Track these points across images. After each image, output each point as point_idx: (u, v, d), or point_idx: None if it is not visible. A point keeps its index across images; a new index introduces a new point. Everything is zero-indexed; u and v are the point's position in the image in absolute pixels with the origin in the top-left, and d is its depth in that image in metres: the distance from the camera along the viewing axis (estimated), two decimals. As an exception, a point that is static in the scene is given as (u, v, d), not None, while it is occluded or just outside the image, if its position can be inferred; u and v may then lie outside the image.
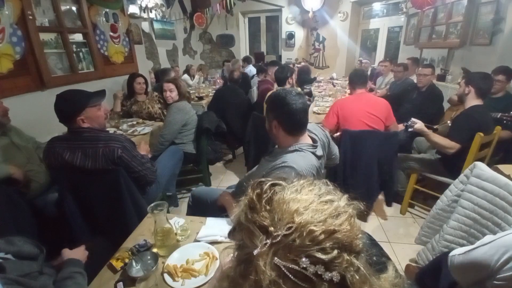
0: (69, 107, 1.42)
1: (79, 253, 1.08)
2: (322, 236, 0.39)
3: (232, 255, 0.48)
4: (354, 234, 0.42)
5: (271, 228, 0.41)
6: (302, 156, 1.17)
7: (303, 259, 0.38)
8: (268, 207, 0.44)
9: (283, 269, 0.38)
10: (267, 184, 0.47)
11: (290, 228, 0.40)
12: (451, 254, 1.07)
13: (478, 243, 0.97)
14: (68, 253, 1.06)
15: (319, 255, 0.38)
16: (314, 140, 1.28)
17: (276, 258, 0.39)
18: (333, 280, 0.38)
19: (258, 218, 0.43)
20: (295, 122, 1.20)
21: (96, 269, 1.02)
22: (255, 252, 0.40)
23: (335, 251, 0.39)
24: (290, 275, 0.38)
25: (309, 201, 0.43)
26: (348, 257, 0.40)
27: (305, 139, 1.24)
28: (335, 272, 0.38)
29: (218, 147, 2.79)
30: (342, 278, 0.39)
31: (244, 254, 0.43)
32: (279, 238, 0.40)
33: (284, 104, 1.17)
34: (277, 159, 1.19)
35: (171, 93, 2.42)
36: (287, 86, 2.78)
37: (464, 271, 1.01)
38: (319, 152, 1.25)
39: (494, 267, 0.87)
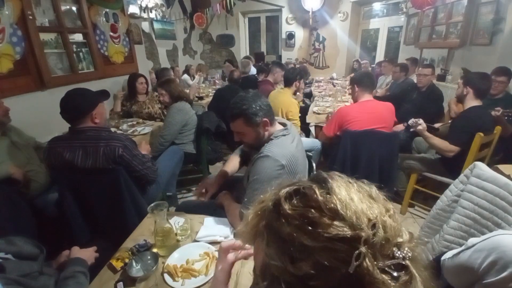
0: (85, 102, 1.45)
1: (87, 253, 1.07)
2: (392, 222, 0.39)
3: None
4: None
5: (362, 234, 0.36)
6: (275, 144, 1.22)
7: (395, 249, 0.37)
8: (337, 215, 0.38)
9: (387, 269, 0.36)
10: (313, 190, 0.41)
11: (374, 225, 0.37)
12: (442, 257, 1.06)
13: (463, 246, 0.96)
14: (76, 251, 1.06)
15: (402, 239, 0.38)
16: (283, 124, 1.34)
17: (377, 262, 0.36)
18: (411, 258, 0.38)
19: (334, 231, 0.36)
20: (272, 110, 1.28)
21: (96, 269, 1.02)
22: (352, 269, 0.35)
23: (407, 233, 0.39)
24: (393, 272, 0.36)
25: (359, 194, 0.41)
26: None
27: (277, 126, 1.31)
28: (411, 252, 0.38)
29: (218, 147, 2.79)
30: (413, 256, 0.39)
31: (336, 280, 0.36)
32: (371, 240, 0.36)
33: (261, 99, 1.23)
34: (255, 155, 1.24)
35: (164, 98, 2.47)
36: (293, 88, 2.78)
37: (454, 275, 1.01)
38: (291, 133, 1.30)
39: (478, 271, 0.86)
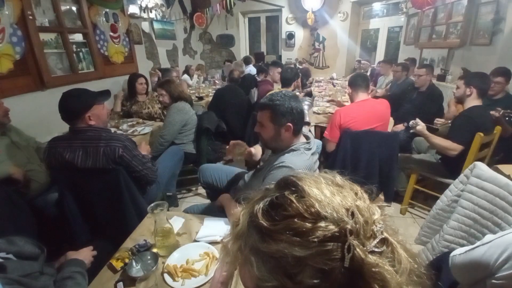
0: (78, 104, 1.44)
1: (84, 254, 1.07)
2: (365, 203, 0.41)
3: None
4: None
5: (347, 226, 0.37)
6: (298, 155, 1.20)
7: (374, 227, 0.38)
8: (319, 216, 0.38)
9: (375, 249, 0.37)
10: (288, 198, 0.40)
11: (352, 214, 0.38)
12: (452, 254, 1.07)
13: (478, 242, 0.97)
14: (72, 254, 1.06)
15: (375, 217, 0.40)
16: (306, 137, 1.31)
17: (365, 247, 0.36)
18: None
19: (322, 233, 0.36)
20: (303, 121, 1.25)
21: (96, 269, 1.02)
22: (347, 263, 0.35)
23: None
24: (379, 249, 0.37)
25: (329, 189, 0.42)
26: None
27: (301, 138, 1.28)
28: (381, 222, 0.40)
29: (218, 147, 2.79)
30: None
31: (336, 279, 0.36)
32: (355, 228, 0.37)
33: (297, 105, 1.20)
34: (274, 162, 1.20)
35: (163, 98, 2.46)
36: (291, 88, 2.78)
37: (465, 270, 1.01)
38: (313, 148, 1.28)
39: (494, 266, 0.87)
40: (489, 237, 0.95)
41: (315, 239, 0.36)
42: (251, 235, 0.41)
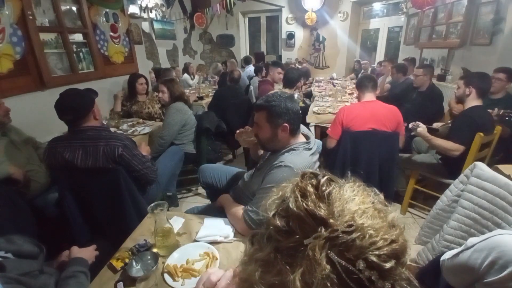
0: (85, 101, 1.47)
1: (87, 253, 1.07)
2: (381, 243, 0.38)
3: (259, 239, 0.46)
4: (406, 248, 0.41)
5: (331, 221, 0.39)
6: (297, 154, 1.20)
7: (360, 261, 0.37)
8: (325, 200, 0.42)
9: (338, 265, 0.37)
10: (324, 178, 0.45)
11: (350, 226, 0.39)
12: (441, 258, 1.07)
13: (462, 247, 0.96)
14: (76, 251, 1.06)
15: (377, 261, 0.37)
16: (306, 137, 1.31)
17: (331, 252, 0.38)
18: None
19: (313, 208, 0.41)
20: (299, 121, 1.25)
21: (96, 269, 1.02)
22: (307, 241, 0.39)
23: (393, 261, 0.38)
24: (343, 274, 0.37)
25: (366, 206, 0.42)
26: (402, 270, 0.40)
27: (300, 138, 1.28)
28: (388, 282, 0.38)
29: (218, 147, 2.79)
30: None
31: (291, 242, 0.41)
32: (338, 233, 0.38)
33: (293, 105, 1.21)
34: (274, 161, 1.20)
35: (163, 95, 2.47)
36: (293, 89, 2.78)
37: (453, 275, 1.01)
38: (314, 147, 1.27)
39: (479, 270, 0.87)
40: (472, 240, 0.93)
41: (305, 206, 0.41)
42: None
